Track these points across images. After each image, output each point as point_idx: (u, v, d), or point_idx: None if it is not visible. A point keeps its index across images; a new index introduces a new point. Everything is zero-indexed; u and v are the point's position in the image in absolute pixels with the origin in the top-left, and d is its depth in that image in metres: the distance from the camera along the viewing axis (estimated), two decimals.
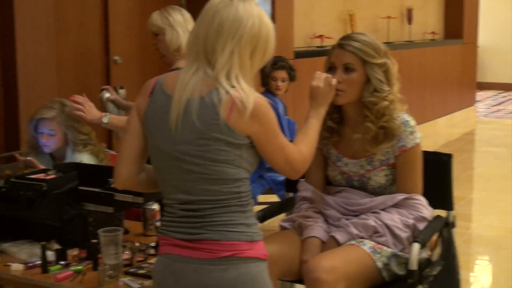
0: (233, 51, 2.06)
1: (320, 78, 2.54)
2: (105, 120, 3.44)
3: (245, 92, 2.04)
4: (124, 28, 5.05)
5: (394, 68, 2.69)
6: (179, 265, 2.10)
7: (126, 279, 2.46)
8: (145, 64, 5.20)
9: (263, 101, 2.08)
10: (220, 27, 2.07)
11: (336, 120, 2.75)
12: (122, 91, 4.84)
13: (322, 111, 2.48)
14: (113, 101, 3.87)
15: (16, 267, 2.60)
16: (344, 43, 2.67)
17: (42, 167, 3.32)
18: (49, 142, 3.54)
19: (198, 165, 2.06)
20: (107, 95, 3.85)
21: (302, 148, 2.26)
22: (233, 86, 2.05)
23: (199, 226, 2.09)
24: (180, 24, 3.56)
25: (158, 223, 2.96)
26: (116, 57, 5.01)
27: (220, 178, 2.07)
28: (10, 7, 4.16)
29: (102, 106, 3.83)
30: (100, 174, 2.95)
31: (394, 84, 2.68)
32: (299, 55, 6.22)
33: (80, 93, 4.50)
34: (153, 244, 2.77)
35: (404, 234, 2.61)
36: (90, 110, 3.46)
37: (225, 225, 2.08)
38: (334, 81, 2.56)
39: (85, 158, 3.52)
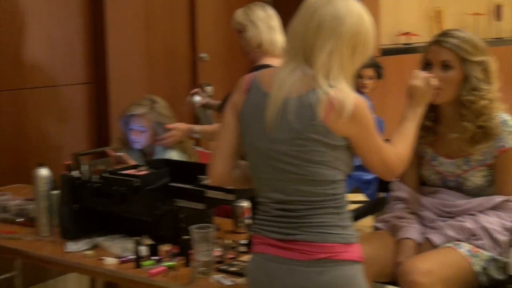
0: (333, 50, 2.02)
1: (419, 77, 2.46)
2: (196, 135, 3.46)
3: (344, 92, 2.00)
4: (211, 25, 5.06)
5: (493, 65, 2.60)
6: (272, 265, 2.07)
7: (218, 276, 2.45)
8: (232, 62, 5.21)
9: (362, 102, 2.03)
10: (319, 26, 2.02)
11: (432, 119, 2.67)
12: (209, 89, 4.87)
13: (419, 111, 2.40)
14: (204, 105, 3.84)
15: (110, 261, 2.62)
16: (441, 39, 2.59)
17: (133, 162, 3.35)
18: (139, 138, 3.57)
19: (294, 165, 2.03)
20: (197, 98, 3.83)
21: (399, 149, 2.20)
22: (331, 86, 2.00)
23: (294, 227, 2.05)
24: (262, 20, 3.52)
25: (248, 221, 2.95)
26: (203, 55, 5.03)
27: (315, 180, 2.03)
28: (101, 6, 4.23)
29: (192, 110, 3.83)
30: (189, 171, 2.95)
31: (493, 82, 2.59)
32: (386, 52, 6.12)
33: (168, 90, 4.60)
34: (244, 241, 2.75)
35: (503, 237, 2.52)
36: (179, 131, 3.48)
37: (320, 226, 2.04)
38: (435, 81, 2.48)
39: (174, 154, 3.54)
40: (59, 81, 4.14)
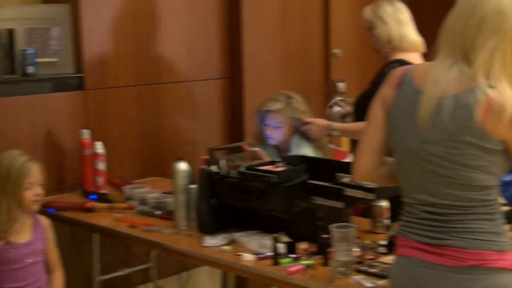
0: (495, 48, 1.88)
1: None
2: (335, 133, 3.39)
3: (505, 94, 1.86)
4: (344, 21, 4.98)
5: None
6: (419, 269, 1.98)
7: (358, 277, 2.38)
8: (364, 58, 5.09)
9: None
10: (481, 21, 1.89)
11: None
12: (341, 85, 4.79)
13: None
14: (344, 115, 3.76)
15: (248, 257, 2.61)
16: None
17: (268, 158, 3.33)
18: (275, 134, 3.55)
19: (445, 168, 1.92)
20: (337, 109, 3.74)
21: None
22: (491, 87, 1.87)
23: (442, 231, 1.95)
24: (390, 15, 3.40)
25: (386, 221, 2.87)
26: (336, 51, 4.95)
27: (468, 184, 1.92)
28: (238, 2, 4.24)
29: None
30: (326, 168, 2.90)
31: None
32: None
33: (300, 86, 4.55)
34: (383, 242, 2.67)
35: None
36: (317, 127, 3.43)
37: (472, 232, 1.92)
38: None
39: (309, 151, 3.49)
40: (195, 76, 4.18)
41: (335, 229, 2.43)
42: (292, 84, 4.53)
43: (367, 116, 2.12)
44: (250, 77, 4.31)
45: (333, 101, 3.82)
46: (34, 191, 2.68)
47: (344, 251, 2.41)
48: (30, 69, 3.48)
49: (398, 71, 2.06)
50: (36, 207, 2.72)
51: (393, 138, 2.04)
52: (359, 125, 3.00)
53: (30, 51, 3.48)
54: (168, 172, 3.96)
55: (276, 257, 2.55)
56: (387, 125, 2.04)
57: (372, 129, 2.08)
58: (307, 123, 3.43)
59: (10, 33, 3.47)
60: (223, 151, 3.94)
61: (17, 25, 3.52)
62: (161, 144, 4.06)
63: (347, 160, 3.64)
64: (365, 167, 2.11)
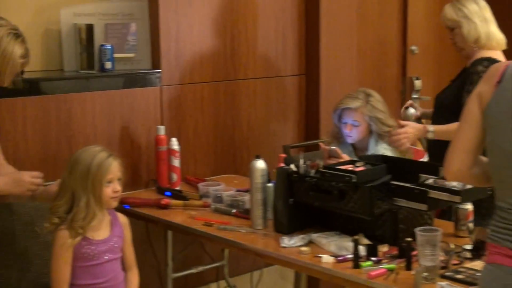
0: None
1: None
2: (430, 135, 3.30)
3: None
4: (422, 17, 4.86)
5: None
6: None
7: (444, 283, 2.29)
8: (442, 55, 4.97)
9: None
10: None
11: None
12: (417, 82, 4.67)
13: None
14: (419, 117, 3.66)
15: (327, 259, 2.54)
16: None
17: (345, 157, 3.26)
18: (352, 133, 3.47)
19: None
20: (412, 111, 3.65)
21: None
22: None
23: None
24: (476, 14, 3.31)
25: (471, 225, 2.76)
26: (413, 47, 4.83)
27: None
28: None
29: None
30: (408, 168, 2.82)
31: None
32: None
33: (376, 83, 4.46)
34: (468, 247, 2.57)
35: None
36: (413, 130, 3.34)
37: None
38: None
39: (389, 150, 3.40)
40: (271, 73, 4.14)
41: (421, 233, 2.34)
42: (368, 81, 4.45)
43: (462, 114, 2.02)
44: (326, 74, 4.24)
45: (408, 102, 3.75)
46: (113, 188, 2.66)
47: (429, 256, 2.33)
48: (108, 64, 3.50)
49: (499, 66, 1.95)
50: (114, 203, 2.71)
51: (489, 138, 1.94)
52: (453, 125, 2.91)
53: (108, 46, 3.49)
54: (241, 170, 3.96)
55: (356, 260, 2.48)
56: (483, 124, 1.95)
57: (467, 127, 1.99)
58: (401, 126, 3.34)
59: (89, 28, 3.49)
60: (298, 149, 3.90)
61: (96, 20, 3.55)
62: (235, 141, 4.02)
63: (425, 159, 3.55)
64: (456, 166, 2.01)
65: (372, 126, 3.45)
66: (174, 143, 3.52)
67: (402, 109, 3.72)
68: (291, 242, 2.71)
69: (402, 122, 3.37)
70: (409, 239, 2.45)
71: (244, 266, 4.03)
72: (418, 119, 3.66)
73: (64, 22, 3.50)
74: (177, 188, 3.50)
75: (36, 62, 3.47)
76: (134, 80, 3.61)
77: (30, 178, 2.70)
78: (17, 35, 2.58)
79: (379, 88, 4.08)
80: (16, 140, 3.23)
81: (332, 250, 2.63)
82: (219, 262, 3.84)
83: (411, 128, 3.32)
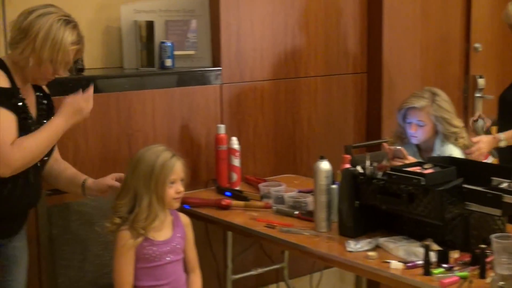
0: None
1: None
2: (502, 144, 3.20)
3: None
4: (486, 14, 4.72)
5: None
6: None
7: None
8: (506, 53, 4.83)
9: None
10: None
11: None
12: (481, 81, 4.56)
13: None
14: (488, 128, 3.56)
15: (396, 265, 2.45)
16: None
17: (411, 158, 3.17)
18: (417, 133, 3.38)
19: None
20: (481, 123, 3.55)
21: None
22: None
23: None
24: None
25: None
26: (477, 45, 4.70)
27: None
28: None
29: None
30: (478, 171, 2.71)
31: None
32: None
33: (438, 81, 4.34)
34: None
35: None
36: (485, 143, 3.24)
37: None
38: None
39: (456, 152, 3.30)
40: (332, 70, 4.06)
41: (497, 240, 2.24)
42: (431, 79, 4.35)
43: None
44: (388, 72, 4.15)
45: (476, 115, 3.69)
46: (176, 188, 2.61)
47: (506, 264, 2.23)
48: (168, 62, 3.47)
49: None
50: (177, 204, 2.66)
51: None
52: None
53: (168, 43, 3.46)
54: (301, 169, 3.90)
55: (428, 267, 2.39)
56: None
57: None
58: (475, 143, 3.25)
59: (149, 25, 3.46)
60: (359, 149, 3.81)
61: (156, 17, 3.52)
62: (295, 140, 3.96)
63: (489, 161, 3.45)
64: None
65: (438, 126, 3.36)
66: (235, 142, 3.47)
67: (471, 122, 3.63)
68: (357, 246, 2.62)
69: (474, 140, 3.27)
70: (482, 245, 2.35)
71: (303, 268, 3.96)
72: (486, 130, 3.57)
73: (124, 19, 3.49)
74: (237, 188, 3.45)
75: (97, 60, 3.47)
76: (194, 78, 3.57)
77: (85, 102, 2.62)
78: (67, 21, 2.50)
79: (441, 86, 3.96)
80: (76, 138, 3.21)
81: (400, 255, 2.54)
82: (279, 264, 3.78)
83: (484, 143, 3.24)
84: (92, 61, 3.42)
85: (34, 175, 2.55)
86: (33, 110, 2.55)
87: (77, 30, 2.53)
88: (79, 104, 2.59)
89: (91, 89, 2.64)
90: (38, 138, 2.45)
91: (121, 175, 2.73)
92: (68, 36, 2.48)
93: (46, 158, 2.61)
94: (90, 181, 2.75)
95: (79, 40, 2.53)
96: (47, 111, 2.64)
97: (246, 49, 3.72)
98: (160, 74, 3.47)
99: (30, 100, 2.55)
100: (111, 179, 2.75)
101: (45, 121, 2.57)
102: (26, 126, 2.45)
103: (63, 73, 2.56)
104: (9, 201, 2.48)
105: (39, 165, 2.57)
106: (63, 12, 2.52)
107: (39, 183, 2.64)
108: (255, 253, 3.74)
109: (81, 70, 3.28)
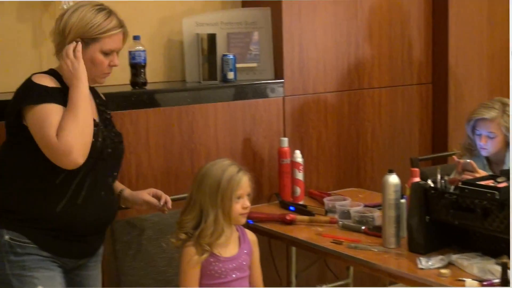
0: None
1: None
2: None
3: None
4: None
5: None
6: None
7: None
8: None
9: None
10: None
11: None
12: None
13: None
14: None
15: (471, 283, 2.38)
16: None
17: (482, 172, 3.08)
18: (488, 145, 3.29)
19: None
20: None
21: None
22: None
23: None
24: None
25: None
26: None
27: None
28: (445, 3, 4.02)
29: None
30: None
31: None
32: None
33: (506, 91, 4.23)
34: None
35: None
36: None
37: None
38: None
39: None
40: (397, 82, 4.00)
41: None
42: (497, 89, 4.24)
43: None
44: (455, 82, 4.07)
45: None
46: (242, 204, 2.58)
47: None
48: (230, 75, 3.46)
49: None
50: (243, 220, 2.62)
51: None
52: None
53: (230, 56, 3.46)
54: (365, 183, 3.84)
55: (505, 285, 2.31)
56: None
57: None
58: None
59: (211, 38, 3.46)
60: (425, 162, 3.74)
61: (218, 30, 3.51)
62: (359, 153, 3.91)
63: None
64: None
65: (508, 137, 3.26)
66: (298, 156, 3.43)
67: None
68: (429, 263, 2.55)
69: None
70: None
71: (367, 284, 3.89)
72: None
73: (186, 32, 3.49)
74: (301, 202, 3.41)
75: (159, 74, 3.49)
76: (257, 90, 3.55)
77: (75, 62, 2.46)
78: (100, 9, 2.47)
79: (508, 96, 3.88)
80: (138, 153, 3.21)
81: (475, 273, 2.46)
82: (343, 280, 3.72)
83: None
84: (154, 75, 3.44)
85: (106, 192, 2.54)
86: (94, 115, 2.53)
87: (114, 15, 2.49)
88: (72, 66, 2.46)
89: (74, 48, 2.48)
90: (72, 113, 2.36)
91: (158, 191, 2.73)
92: (106, 21, 2.45)
93: (116, 174, 2.61)
94: (127, 192, 2.75)
95: (120, 23, 2.50)
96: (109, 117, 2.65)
97: (309, 60, 3.68)
98: (222, 87, 3.46)
99: (92, 106, 2.53)
100: (147, 194, 2.74)
101: (109, 127, 2.57)
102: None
103: (117, 61, 2.52)
104: (82, 219, 2.47)
105: (110, 180, 2.57)
106: (95, 2, 2.51)
107: (113, 199, 2.63)
108: (319, 269, 3.68)
109: (144, 84, 3.29)
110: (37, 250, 2.43)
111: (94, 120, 2.49)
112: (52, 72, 2.50)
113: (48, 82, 2.43)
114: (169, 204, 2.75)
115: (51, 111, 2.35)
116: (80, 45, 2.45)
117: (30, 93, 2.38)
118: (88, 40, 2.46)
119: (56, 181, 2.40)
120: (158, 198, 2.74)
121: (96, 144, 2.44)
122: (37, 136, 2.34)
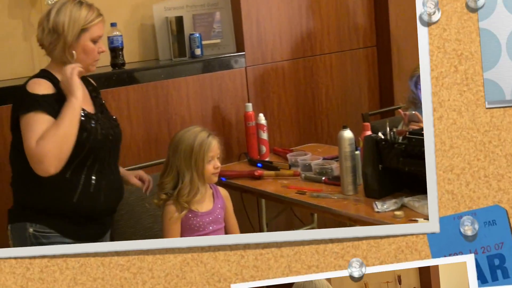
0: None
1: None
2: None
3: None
4: None
5: None
6: None
7: None
8: None
9: None
10: None
11: None
12: None
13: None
14: None
15: (422, 222, 2.28)
16: None
17: None
18: None
19: None
20: None
21: None
22: None
23: None
24: None
25: None
26: None
27: None
28: None
29: None
30: None
31: None
32: None
33: None
34: None
35: None
36: None
37: None
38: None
39: None
40: (344, 47, 3.89)
41: None
42: None
43: None
44: (396, 44, 3.96)
45: None
46: (214, 164, 2.51)
47: None
48: (198, 51, 3.38)
49: None
50: (215, 179, 2.55)
51: None
52: None
53: (196, 34, 3.37)
54: (323, 138, 3.74)
55: None
56: None
57: None
58: None
59: (179, 20, 3.37)
60: (375, 116, 3.65)
61: (184, 12, 3.42)
62: (315, 112, 3.81)
63: None
64: None
65: None
66: (262, 118, 3.35)
67: None
68: (384, 206, 2.47)
69: None
70: None
71: (330, 227, 3.81)
72: None
73: (156, 17, 3.40)
74: (267, 159, 3.32)
75: (135, 54, 3.38)
76: (222, 63, 3.44)
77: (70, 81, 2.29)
78: (81, 2, 2.32)
79: None
80: (121, 124, 3.07)
81: (425, 212, 2.36)
82: (309, 226, 3.63)
83: None
84: (131, 56, 3.34)
85: (114, 175, 2.42)
86: (89, 105, 2.38)
87: (92, 5, 2.35)
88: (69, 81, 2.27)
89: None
90: (56, 125, 2.18)
91: (144, 175, 2.60)
92: (89, 12, 2.31)
93: (118, 154, 2.47)
94: (121, 171, 2.59)
95: (99, 12, 2.35)
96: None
97: (266, 33, 3.57)
98: (191, 63, 3.36)
99: (85, 97, 2.36)
100: (135, 178, 2.60)
101: (105, 112, 2.44)
102: (82, 126, 2.26)
103: (104, 47, 2.40)
104: (98, 204, 2.34)
105: (116, 162, 2.44)
106: None
107: (120, 178, 2.49)
108: (287, 217, 3.60)
109: (122, 64, 3.23)
110: (61, 238, 2.29)
111: (91, 112, 2.34)
112: (45, 74, 2.32)
113: (41, 89, 2.25)
114: (151, 187, 2.62)
115: (37, 120, 2.19)
116: (77, 68, 2.28)
117: (23, 102, 2.24)
118: (79, 32, 2.31)
119: (66, 175, 2.25)
120: (143, 181, 2.61)
121: (97, 137, 2.31)
122: (24, 142, 2.20)
